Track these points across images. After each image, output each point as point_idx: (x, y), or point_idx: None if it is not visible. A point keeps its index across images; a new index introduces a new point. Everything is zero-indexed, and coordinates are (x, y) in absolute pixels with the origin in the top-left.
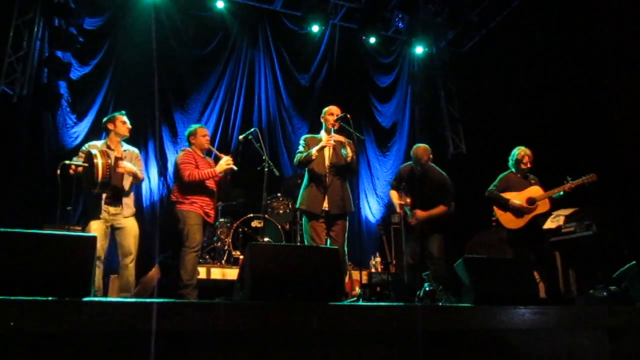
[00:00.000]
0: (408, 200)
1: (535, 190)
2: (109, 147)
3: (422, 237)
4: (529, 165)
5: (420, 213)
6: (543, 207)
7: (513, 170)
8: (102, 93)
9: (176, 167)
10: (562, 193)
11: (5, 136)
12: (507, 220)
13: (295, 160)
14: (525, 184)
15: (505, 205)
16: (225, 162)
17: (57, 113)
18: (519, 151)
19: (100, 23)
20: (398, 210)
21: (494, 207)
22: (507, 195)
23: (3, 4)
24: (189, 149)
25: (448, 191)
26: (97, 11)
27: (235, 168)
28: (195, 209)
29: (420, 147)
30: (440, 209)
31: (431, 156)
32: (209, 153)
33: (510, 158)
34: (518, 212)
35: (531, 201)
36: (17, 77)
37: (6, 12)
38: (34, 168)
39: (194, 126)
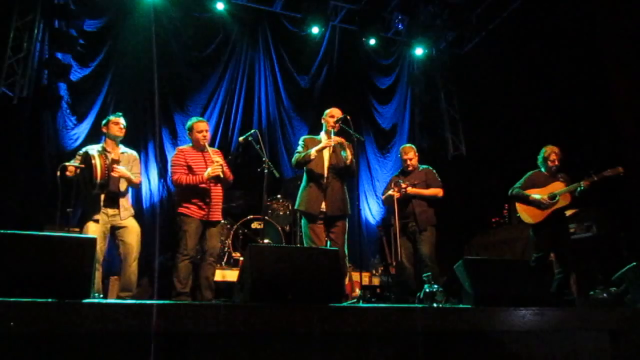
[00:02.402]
0: (396, 188)
1: (557, 186)
2: (104, 149)
3: (413, 237)
4: (556, 163)
5: (410, 189)
6: (563, 201)
7: (542, 169)
8: (102, 95)
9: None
10: (582, 188)
11: (5, 138)
12: (527, 215)
13: (293, 160)
14: (551, 182)
15: (526, 200)
16: (212, 169)
17: (57, 115)
18: (546, 149)
19: (100, 25)
20: (393, 193)
21: (516, 204)
22: (530, 192)
23: (3, 6)
24: (182, 147)
25: (435, 174)
26: (97, 13)
27: (221, 175)
28: (193, 213)
29: (406, 146)
30: (431, 190)
31: (417, 154)
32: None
33: (538, 156)
34: (538, 205)
35: (552, 196)
36: (17, 79)
37: (6, 13)
38: (34, 170)
39: (192, 119)
